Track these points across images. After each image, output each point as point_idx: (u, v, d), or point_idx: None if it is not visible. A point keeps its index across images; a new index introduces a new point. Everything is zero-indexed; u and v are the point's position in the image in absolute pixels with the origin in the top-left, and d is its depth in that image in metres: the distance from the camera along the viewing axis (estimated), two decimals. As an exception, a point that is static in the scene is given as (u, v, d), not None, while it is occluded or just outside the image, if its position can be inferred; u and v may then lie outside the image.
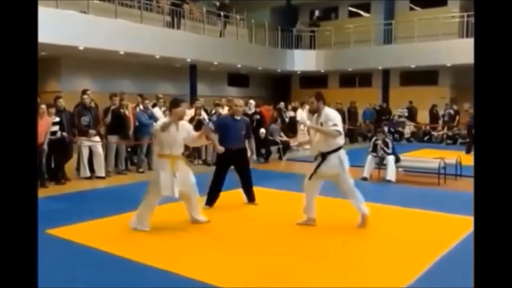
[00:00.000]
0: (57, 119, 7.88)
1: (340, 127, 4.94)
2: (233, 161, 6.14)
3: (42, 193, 6.62)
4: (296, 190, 5.18)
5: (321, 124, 4.97)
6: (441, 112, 16.61)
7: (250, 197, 6.31)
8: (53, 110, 7.78)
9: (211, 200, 6.10)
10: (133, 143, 9.45)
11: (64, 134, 7.98)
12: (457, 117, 15.83)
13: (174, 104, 4.88)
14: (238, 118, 6.20)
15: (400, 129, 16.60)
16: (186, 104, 4.96)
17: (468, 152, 12.08)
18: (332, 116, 4.97)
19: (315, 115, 5.14)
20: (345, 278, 3.75)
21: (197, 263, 4.06)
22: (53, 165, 8.00)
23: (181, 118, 4.94)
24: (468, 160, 9.25)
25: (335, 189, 5.12)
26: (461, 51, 15.07)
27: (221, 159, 6.09)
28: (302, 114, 14.43)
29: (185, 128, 5.04)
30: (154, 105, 10.42)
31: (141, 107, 9.81)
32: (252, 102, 11.58)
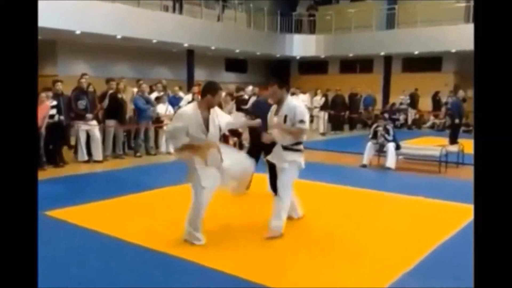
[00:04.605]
0: (55, 102, 7.82)
1: (307, 123, 4.34)
2: (263, 147, 5.29)
3: (40, 175, 6.50)
4: (307, 178, 4.87)
5: (285, 118, 4.28)
6: (444, 99, 16.40)
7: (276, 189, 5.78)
8: (50, 94, 7.69)
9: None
10: (130, 127, 9.37)
11: (62, 117, 7.93)
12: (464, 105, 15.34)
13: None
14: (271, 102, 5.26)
15: (401, 116, 16.45)
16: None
17: (451, 142, 10.59)
18: (301, 111, 4.30)
19: (275, 106, 4.47)
20: (344, 265, 3.70)
21: (196, 247, 4.00)
22: (51, 148, 7.94)
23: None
24: (471, 148, 9.16)
25: (332, 175, 4.86)
26: (466, 36, 14.74)
27: (252, 146, 5.67)
28: (304, 99, 14.32)
29: None
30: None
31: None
32: (250, 87, 11.38)
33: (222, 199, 4.71)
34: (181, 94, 11.36)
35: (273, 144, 4.80)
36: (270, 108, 4.74)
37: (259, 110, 5.37)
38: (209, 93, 4.00)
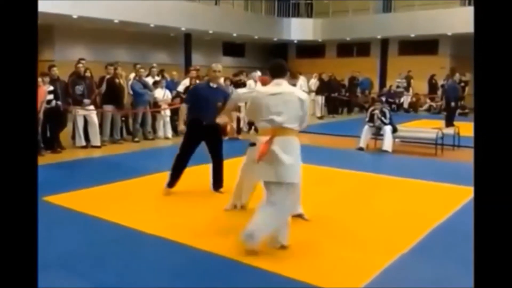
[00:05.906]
0: (51, 87, 7.79)
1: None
2: (204, 137, 5.11)
3: (38, 161, 6.58)
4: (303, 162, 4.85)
5: None
6: (440, 82, 16.39)
7: (217, 185, 5.30)
8: (47, 79, 7.68)
9: (173, 180, 5.22)
10: (126, 112, 9.37)
11: (59, 103, 7.92)
12: (467, 88, 15.06)
13: None
14: (214, 86, 5.12)
15: (397, 100, 16.51)
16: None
17: (447, 125, 10.55)
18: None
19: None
20: (341, 247, 3.77)
21: (186, 228, 4.08)
22: (48, 134, 7.96)
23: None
24: (466, 130, 9.23)
25: (329, 158, 4.89)
26: (462, 19, 14.75)
27: (191, 132, 5.14)
28: (302, 84, 14.29)
29: None
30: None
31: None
32: (259, 73, 10.57)
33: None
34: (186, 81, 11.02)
35: (214, 133, 4.88)
36: (213, 93, 4.84)
37: (197, 97, 5.10)
38: (286, 73, 3.68)
